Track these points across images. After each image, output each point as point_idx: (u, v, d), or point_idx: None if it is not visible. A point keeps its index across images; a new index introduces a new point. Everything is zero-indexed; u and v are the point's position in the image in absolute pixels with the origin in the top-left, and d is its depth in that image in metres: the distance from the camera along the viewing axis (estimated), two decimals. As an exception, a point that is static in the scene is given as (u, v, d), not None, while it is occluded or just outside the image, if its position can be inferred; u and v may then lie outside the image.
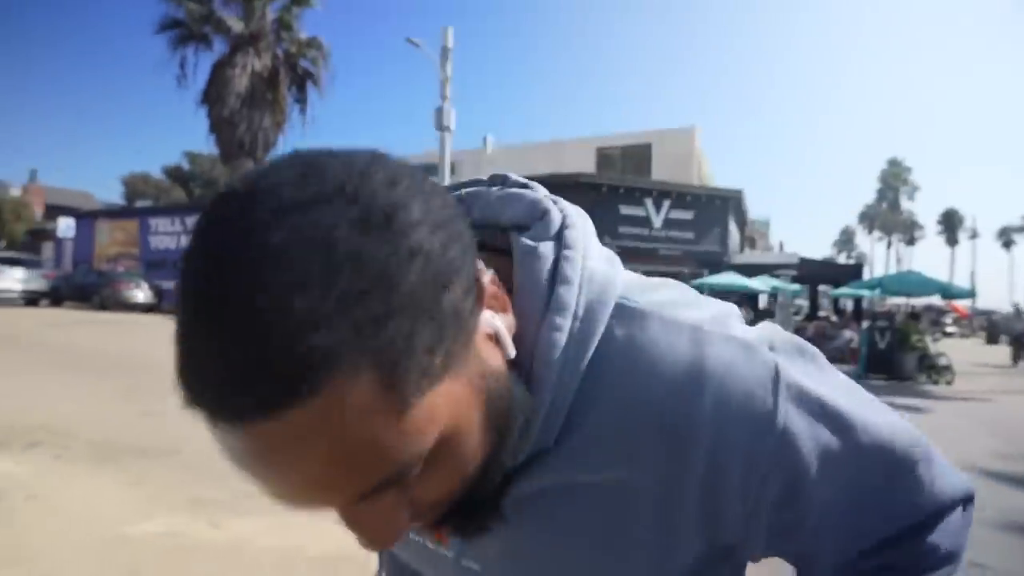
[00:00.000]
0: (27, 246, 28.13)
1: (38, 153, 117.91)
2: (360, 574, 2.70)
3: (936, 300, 23.04)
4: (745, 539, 0.44)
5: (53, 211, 34.94)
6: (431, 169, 29.52)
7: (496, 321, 0.38)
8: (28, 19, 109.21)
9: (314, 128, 19.55)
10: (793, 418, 0.42)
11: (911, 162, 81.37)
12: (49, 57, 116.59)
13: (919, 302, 25.38)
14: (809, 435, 0.42)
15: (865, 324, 12.54)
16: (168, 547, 2.85)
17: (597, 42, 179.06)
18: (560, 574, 0.45)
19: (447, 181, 15.33)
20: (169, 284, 22.14)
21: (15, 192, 36.79)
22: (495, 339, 0.38)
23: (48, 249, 27.32)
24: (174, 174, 48.52)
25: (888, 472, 0.46)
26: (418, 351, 0.30)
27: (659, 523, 0.42)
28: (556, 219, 0.45)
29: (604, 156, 25.62)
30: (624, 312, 0.43)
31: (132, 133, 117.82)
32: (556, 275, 0.42)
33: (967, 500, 0.50)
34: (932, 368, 10.54)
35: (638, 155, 25.50)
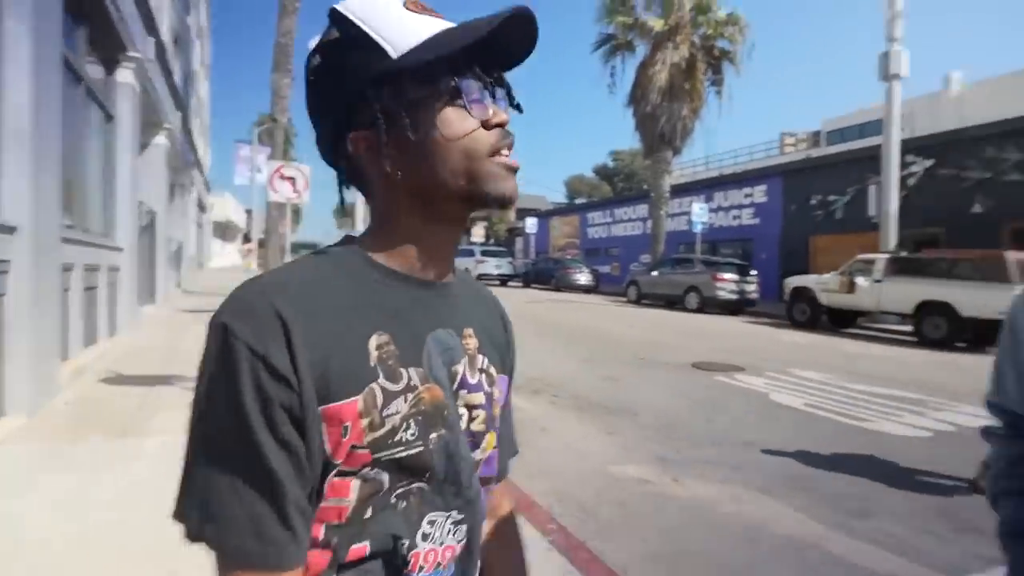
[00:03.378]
0: (505, 242, 37.18)
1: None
2: (823, 561, 2.59)
3: None
4: None
5: (521, 213, 45.05)
6: (867, 128, 25.14)
7: None
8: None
9: (730, 106, 19.11)
10: None
11: None
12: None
13: None
14: None
15: None
16: (642, 492, 3.35)
17: None
18: None
19: (896, 138, 12.82)
20: (603, 268, 25.69)
21: (498, 201, 49.42)
22: None
23: (520, 243, 35.38)
24: (601, 172, 55.68)
25: None
26: None
27: None
28: None
29: None
30: None
31: (571, 142, 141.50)
32: None
33: None
34: None
35: None
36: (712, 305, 14.75)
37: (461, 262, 24.15)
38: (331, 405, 0.51)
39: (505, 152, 0.59)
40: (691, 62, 18.40)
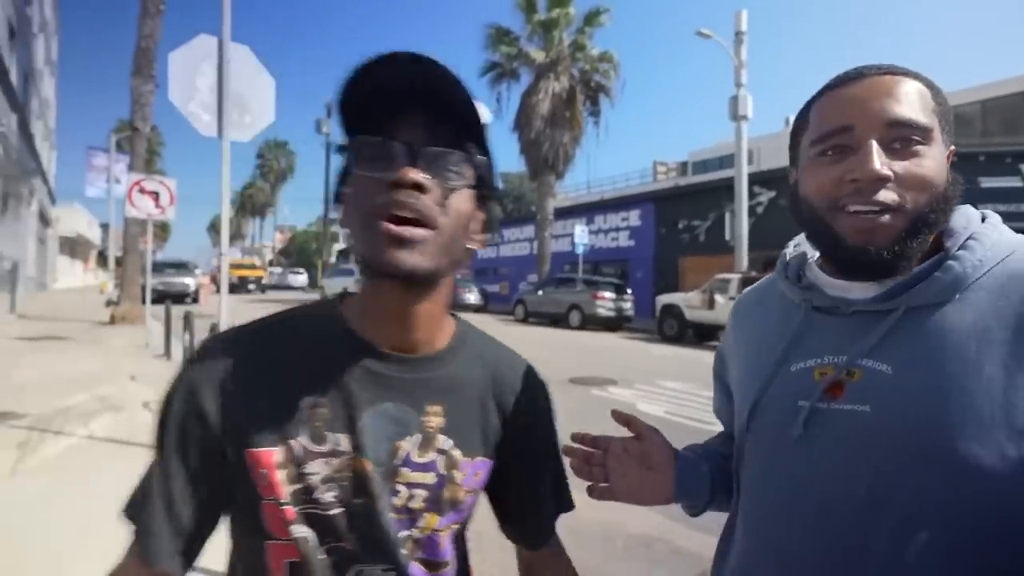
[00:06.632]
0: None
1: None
2: (670, 553, 2.89)
3: None
4: None
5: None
6: (726, 160, 27.98)
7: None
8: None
9: (607, 136, 20.51)
10: None
11: None
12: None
13: None
14: None
15: None
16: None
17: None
18: (939, 391, 0.61)
19: (744, 171, 14.46)
20: (492, 287, 26.10)
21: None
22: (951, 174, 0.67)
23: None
24: (492, 193, 56.80)
25: None
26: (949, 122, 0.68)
27: (1005, 363, 0.60)
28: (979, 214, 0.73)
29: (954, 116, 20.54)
30: None
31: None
32: (983, 220, 0.70)
33: None
34: None
35: (1007, 109, 19.73)
36: (593, 322, 15.56)
37: (339, 282, 23.50)
38: (253, 450, 0.58)
39: (396, 213, 0.53)
40: (571, 93, 19.52)
